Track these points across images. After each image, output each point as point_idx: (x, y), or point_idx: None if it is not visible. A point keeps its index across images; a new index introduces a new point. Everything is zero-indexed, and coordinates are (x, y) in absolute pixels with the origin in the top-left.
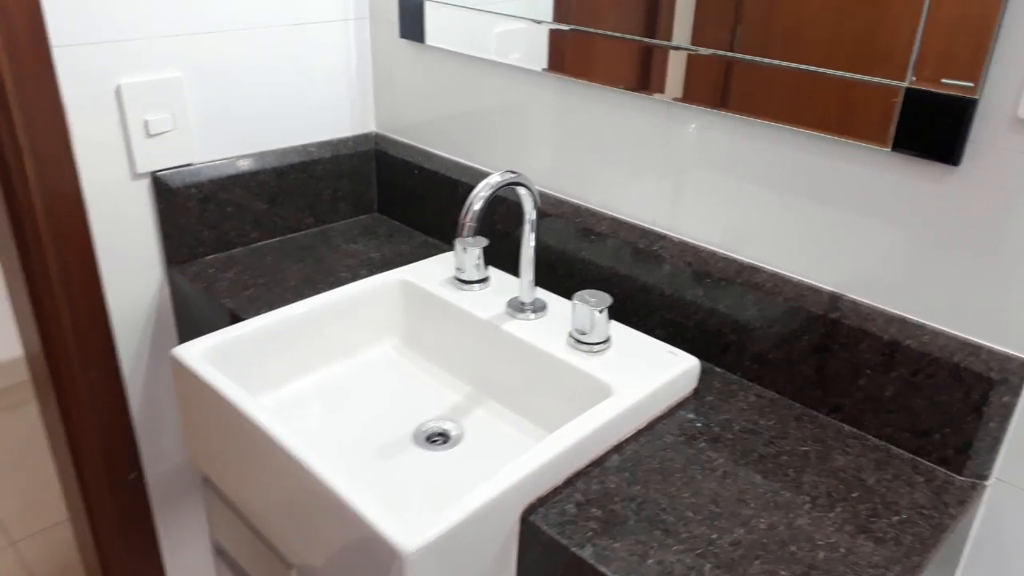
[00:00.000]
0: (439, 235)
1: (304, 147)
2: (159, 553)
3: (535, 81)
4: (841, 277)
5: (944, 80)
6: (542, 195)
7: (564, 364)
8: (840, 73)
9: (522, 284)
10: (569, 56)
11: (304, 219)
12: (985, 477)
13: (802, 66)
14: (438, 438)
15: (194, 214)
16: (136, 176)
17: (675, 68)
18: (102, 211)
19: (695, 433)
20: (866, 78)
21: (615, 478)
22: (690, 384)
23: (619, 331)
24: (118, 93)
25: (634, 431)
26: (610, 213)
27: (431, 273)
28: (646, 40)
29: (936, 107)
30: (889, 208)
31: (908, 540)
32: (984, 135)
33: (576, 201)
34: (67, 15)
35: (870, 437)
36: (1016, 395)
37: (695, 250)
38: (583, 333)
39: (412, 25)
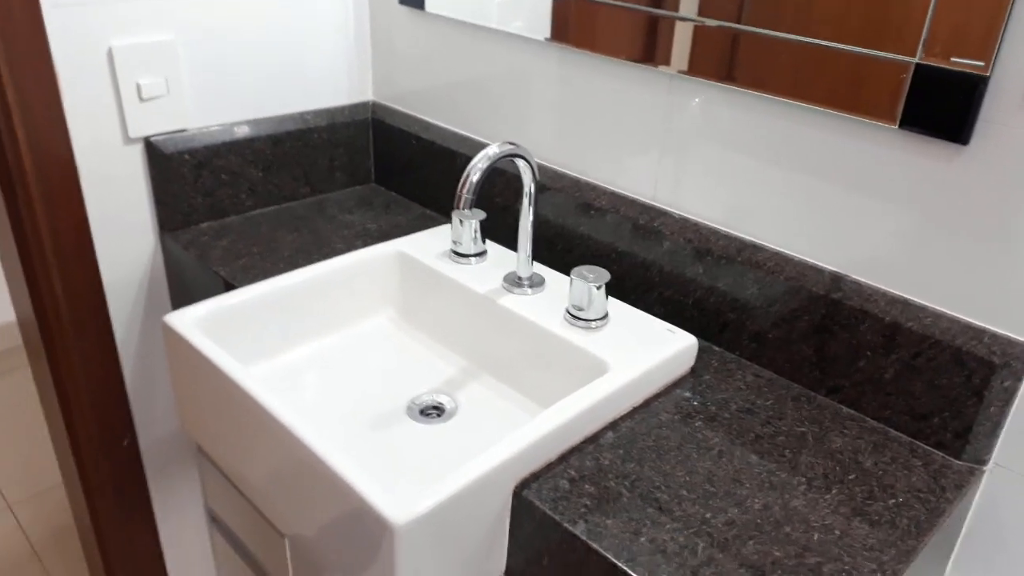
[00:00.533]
0: (436, 207)
1: (300, 115)
2: (153, 519)
3: (537, 51)
4: (844, 257)
5: (955, 57)
6: (542, 168)
7: (560, 340)
8: (849, 48)
9: (520, 258)
10: (572, 25)
11: (300, 188)
12: (983, 462)
13: (810, 39)
14: (432, 411)
15: (188, 181)
16: (129, 141)
17: (681, 40)
18: (94, 176)
19: (691, 412)
20: (875, 53)
21: (609, 455)
22: (687, 362)
23: (617, 308)
24: (110, 55)
25: (630, 408)
26: (610, 188)
27: (428, 246)
28: (652, 10)
29: (946, 84)
30: (895, 187)
31: (904, 523)
32: (994, 114)
33: (576, 175)
34: None
35: (868, 419)
36: (1018, 380)
37: (696, 227)
38: (580, 309)
39: None
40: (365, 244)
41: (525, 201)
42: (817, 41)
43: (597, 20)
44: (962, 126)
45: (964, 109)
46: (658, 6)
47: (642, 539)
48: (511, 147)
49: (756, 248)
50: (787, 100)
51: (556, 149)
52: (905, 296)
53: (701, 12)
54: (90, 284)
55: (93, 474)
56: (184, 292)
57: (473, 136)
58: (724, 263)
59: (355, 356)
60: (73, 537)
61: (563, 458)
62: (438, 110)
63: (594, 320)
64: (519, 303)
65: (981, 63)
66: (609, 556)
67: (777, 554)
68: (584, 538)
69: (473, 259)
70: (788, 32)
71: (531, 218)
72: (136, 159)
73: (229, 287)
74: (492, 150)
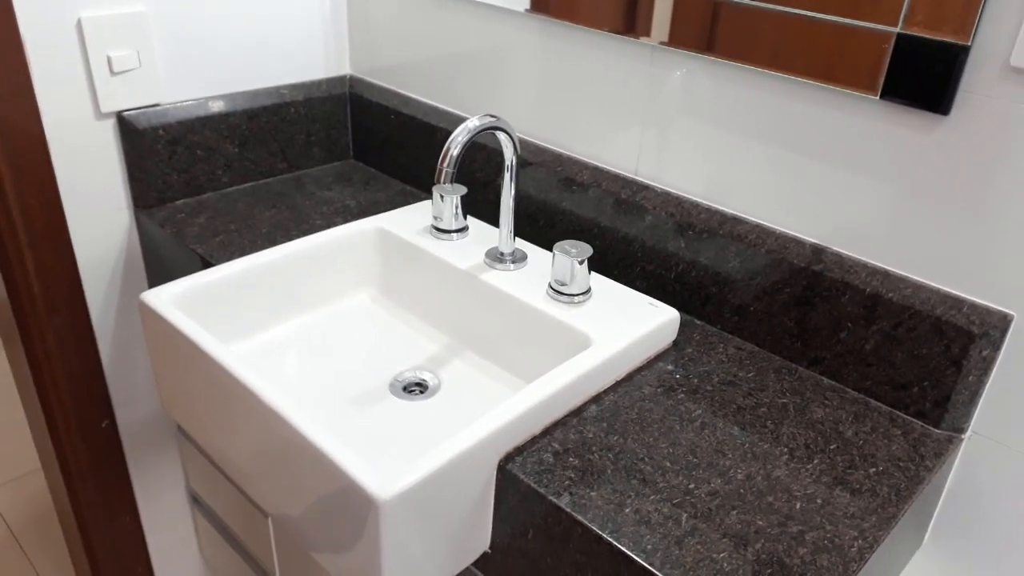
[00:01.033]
0: (416, 183)
1: (276, 89)
2: (134, 501)
3: (517, 22)
4: (825, 229)
5: (936, 28)
6: (523, 143)
7: (543, 315)
8: (830, 18)
9: (501, 233)
10: None
11: (277, 164)
12: (962, 431)
13: (791, 9)
14: (415, 388)
15: (162, 157)
16: (100, 116)
17: (661, 10)
18: (65, 151)
19: (674, 384)
20: (856, 23)
21: (593, 428)
22: (670, 336)
23: (599, 282)
24: (79, 27)
25: (613, 382)
26: (592, 162)
27: (408, 221)
28: None
29: (927, 54)
30: (876, 159)
31: (884, 491)
32: (975, 84)
33: (558, 149)
34: None
35: (849, 390)
36: (996, 349)
37: (678, 201)
38: (563, 284)
39: None
40: (345, 221)
41: (506, 175)
42: (798, 11)
43: None
44: (942, 96)
45: (944, 79)
46: None
47: (627, 510)
48: (492, 120)
49: (737, 221)
50: (768, 71)
51: (538, 123)
52: (886, 267)
53: None
54: (64, 263)
55: (72, 457)
56: (161, 271)
57: (453, 110)
58: (706, 237)
59: (336, 334)
60: (53, 522)
61: (547, 432)
62: (417, 84)
63: (577, 295)
64: (501, 279)
65: (962, 33)
66: (594, 528)
67: (760, 523)
68: (569, 510)
69: (455, 235)
70: (769, 3)
71: (513, 193)
72: (108, 135)
73: (207, 265)
74: (473, 123)
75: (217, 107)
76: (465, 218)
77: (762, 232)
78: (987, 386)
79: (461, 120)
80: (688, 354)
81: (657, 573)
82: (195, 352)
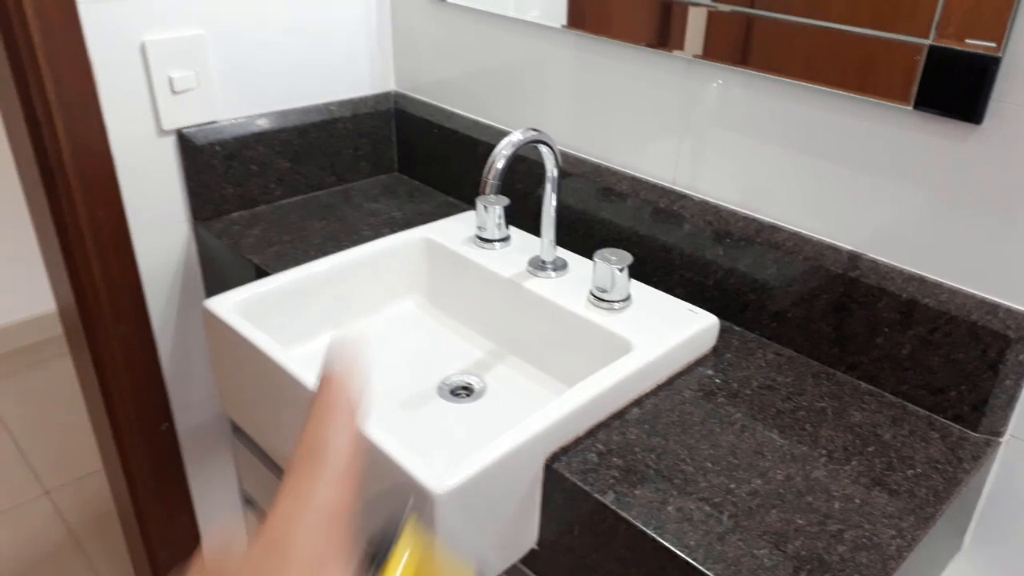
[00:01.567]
0: (459, 194)
1: (325, 106)
2: (191, 501)
3: (554, 38)
4: (860, 236)
5: (967, 39)
6: (562, 154)
7: (585, 321)
8: (862, 30)
9: (543, 242)
10: (588, 13)
11: (326, 178)
12: (1000, 434)
13: (824, 23)
14: (462, 391)
15: (219, 171)
16: (162, 133)
17: (695, 25)
18: (130, 167)
19: (714, 389)
20: (889, 35)
21: (635, 430)
22: (709, 341)
23: (639, 289)
24: (143, 50)
25: (654, 386)
26: (630, 172)
27: (453, 231)
28: None
29: (959, 65)
30: (910, 167)
31: (922, 493)
32: (1006, 93)
33: (596, 160)
34: None
35: (887, 394)
36: None
37: (715, 209)
38: (604, 291)
39: None
40: (392, 231)
41: (548, 187)
42: (831, 24)
43: (612, 6)
44: (975, 106)
45: (977, 89)
46: None
47: (669, 508)
48: (534, 134)
49: (774, 229)
50: (802, 83)
51: (576, 135)
52: (921, 273)
53: None
54: (128, 273)
55: (133, 459)
56: (217, 279)
57: (494, 124)
58: (743, 244)
59: (386, 339)
60: (111, 521)
61: (591, 433)
62: (459, 99)
63: (617, 301)
64: (543, 286)
65: (993, 44)
66: (638, 524)
67: (800, 521)
68: (614, 507)
69: (497, 244)
70: (802, 16)
71: (554, 203)
72: (169, 151)
73: (262, 274)
74: (516, 137)
75: (270, 123)
76: (507, 228)
77: (799, 239)
78: None
79: (502, 133)
80: (728, 359)
81: (700, 568)
82: (256, 355)
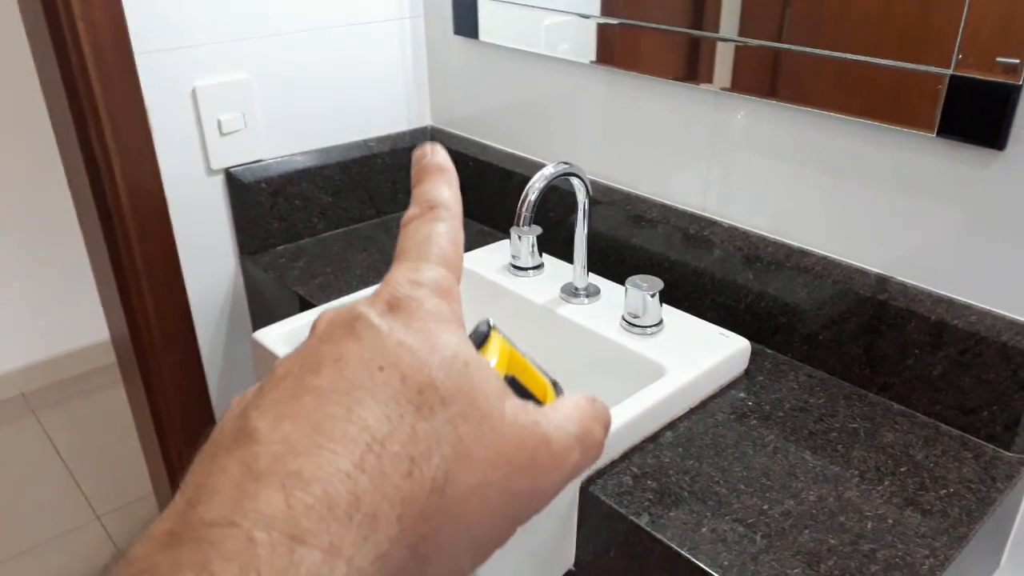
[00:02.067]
0: (493, 224)
1: (364, 142)
2: None
3: (584, 73)
4: (888, 259)
5: (987, 68)
6: (593, 183)
7: (618, 346)
8: (885, 62)
9: (576, 269)
10: (617, 48)
11: (366, 211)
12: None
13: (849, 55)
14: None
15: (264, 207)
16: (211, 172)
17: (723, 59)
18: (181, 205)
19: (746, 411)
20: (911, 66)
21: (669, 453)
22: (741, 365)
23: (671, 314)
24: (194, 95)
25: (687, 409)
26: (660, 200)
27: (487, 260)
28: (693, 32)
29: (980, 93)
30: (935, 192)
31: (955, 512)
32: None
33: (626, 189)
34: (147, 24)
35: (919, 415)
36: None
37: (745, 235)
38: (636, 316)
39: (466, 22)
40: None
41: (580, 216)
42: (855, 57)
43: (640, 42)
44: (997, 133)
45: (999, 117)
46: (698, 28)
47: (703, 529)
48: (565, 167)
49: (803, 254)
50: (828, 112)
51: (606, 164)
52: (950, 295)
53: (742, 32)
54: (178, 305)
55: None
56: (263, 310)
57: (527, 156)
58: (773, 269)
59: None
60: None
61: (625, 456)
62: (492, 132)
63: (649, 327)
64: (577, 312)
65: (1013, 73)
66: (673, 545)
67: (832, 541)
68: (649, 529)
69: (531, 272)
70: (827, 49)
71: (586, 231)
72: (218, 189)
73: (306, 305)
74: (548, 170)
75: (312, 160)
76: (540, 256)
77: (828, 264)
78: None
79: (534, 164)
80: (760, 382)
81: None
82: None
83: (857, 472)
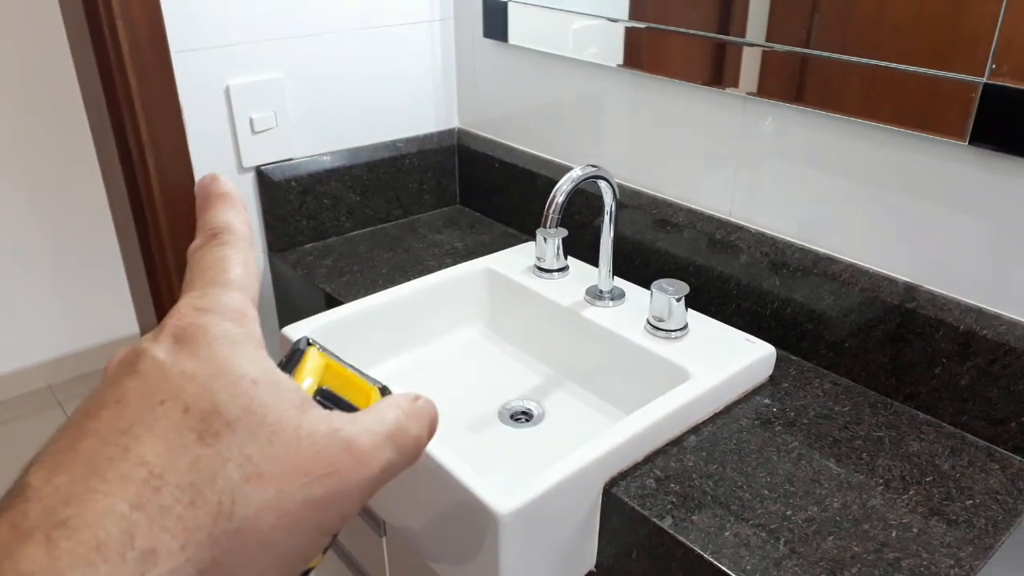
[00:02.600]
0: (518, 226)
1: (393, 143)
2: None
3: (611, 76)
4: (917, 268)
5: (1022, 77)
6: (619, 187)
7: (642, 349)
8: (916, 69)
9: (601, 272)
10: (644, 52)
11: (393, 211)
12: None
13: (879, 62)
14: (522, 416)
15: (294, 206)
16: (243, 170)
17: (750, 64)
18: None
19: (771, 417)
20: (943, 74)
21: (693, 457)
22: (766, 371)
23: (696, 319)
24: (227, 93)
25: (711, 414)
26: (686, 204)
27: (513, 262)
28: (721, 37)
29: (1014, 103)
30: (966, 200)
31: (981, 523)
32: None
33: (652, 192)
34: (184, 24)
35: (945, 424)
36: None
37: (772, 241)
38: (661, 320)
39: (495, 25)
40: (454, 261)
41: (606, 219)
42: (886, 64)
43: (667, 46)
44: None
45: None
46: (726, 33)
47: (726, 533)
48: (593, 170)
49: (831, 260)
50: (857, 119)
51: (632, 168)
52: (979, 305)
53: (769, 38)
54: None
55: None
56: (290, 307)
57: (553, 159)
58: (800, 275)
59: (449, 365)
60: None
61: (649, 459)
62: (519, 135)
63: (674, 331)
64: (601, 315)
65: None
66: (696, 548)
67: (856, 549)
68: (671, 532)
69: (556, 274)
70: (856, 55)
71: (612, 234)
72: (249, 186)
73: (333, 302)
74: (576, 173)
75: (341, 160)
76: (566, 258)
77: (855, 271)
78: None
79: (560, 167)
80: (784, 388)
81: None
82: None
83: (882, 480)
